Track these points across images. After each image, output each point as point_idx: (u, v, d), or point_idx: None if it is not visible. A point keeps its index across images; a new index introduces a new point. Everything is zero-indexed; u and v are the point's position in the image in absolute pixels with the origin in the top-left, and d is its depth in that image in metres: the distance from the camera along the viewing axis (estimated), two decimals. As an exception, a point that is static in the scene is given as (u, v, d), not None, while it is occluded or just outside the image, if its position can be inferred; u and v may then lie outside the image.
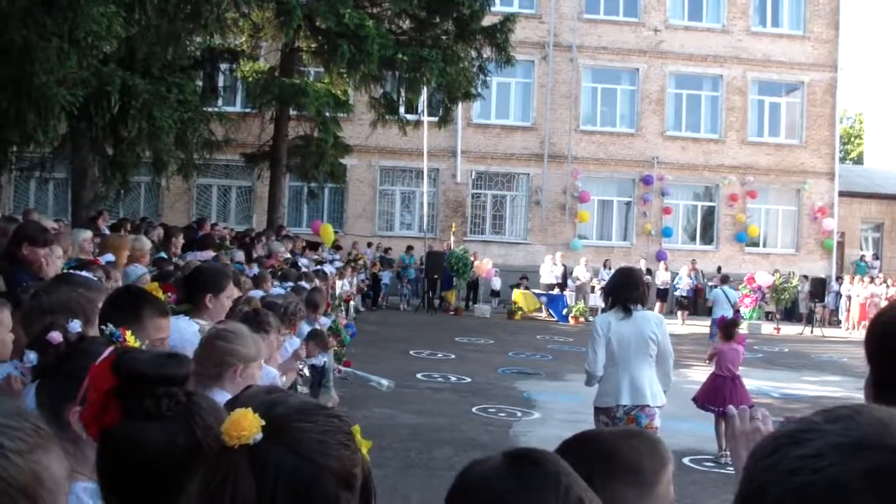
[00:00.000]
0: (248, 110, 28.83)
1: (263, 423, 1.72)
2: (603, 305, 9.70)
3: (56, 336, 2.78)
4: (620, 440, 2.42)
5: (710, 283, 34.47)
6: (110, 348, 2.41)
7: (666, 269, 33.96)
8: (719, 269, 34.07)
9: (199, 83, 24.55)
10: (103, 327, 3.12)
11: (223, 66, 27.29)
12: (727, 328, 12.92)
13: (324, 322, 11.08)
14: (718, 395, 12.08)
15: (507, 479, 1.84)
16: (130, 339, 3.08)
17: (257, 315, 6.51)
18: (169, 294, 5.73)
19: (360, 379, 10.54)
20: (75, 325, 2.91)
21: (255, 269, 13.21)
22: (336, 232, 31.43)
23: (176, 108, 16.27)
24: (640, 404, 7.81)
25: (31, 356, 2.75)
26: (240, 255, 14.90)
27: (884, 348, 2.46)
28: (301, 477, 1.71)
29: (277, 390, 1.95)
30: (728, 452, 8.97)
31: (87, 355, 2.55)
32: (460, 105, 31.15)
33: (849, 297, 34.48)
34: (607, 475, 2.23)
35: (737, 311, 21.80)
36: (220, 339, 4.48)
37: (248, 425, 1.71)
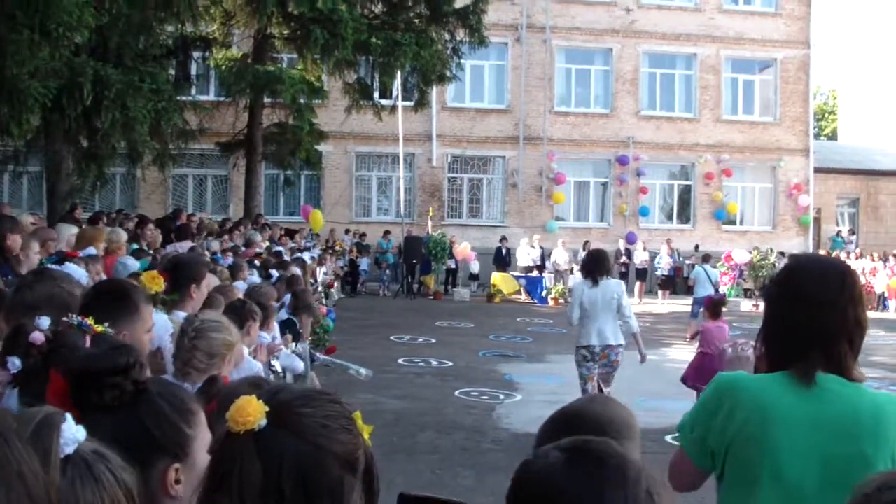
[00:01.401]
0: (221, 99, 28.63)
1: (268, 409, 1.76)
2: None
3: (38, 336, 2.77)
4: (599, 406, 2.58)
5: (687, 262, 34.61)
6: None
7: (644, 249, 34.03)
8: (697, 247, 34.22)
9: (172, 72, 24.45)
10: (65, 318, 3.09)
11: (196, 55, 27.13)
12: (714, 306, 12.94)
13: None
14: (707, 374, 12.11)
15: (570, 476, 1.79)
16: (98, 328, 3.11)
17: (244, 305, 6.56)
18: (136, 284, 5.76)
19: (339, 367, 10.55)
20: (44, 322, 2.90)
21: (230, 260, 13.17)
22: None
23: (149, 98, 16.17)
24: (607, 344, 11.01)
25: (16, 362, 2.74)
26: (216, 245, 14.86)
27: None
28: (306, 461, 1.76)
29: (264, 381, 1.98)
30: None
31: (68, 348, 2.56)
32: (435, 89, 31.14)
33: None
34: (619, 437, 2.33)
35: (717, 290, 21.92)
36: (212, 330, 4.49)
37: (252, 411, 1.75)
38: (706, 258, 24.05)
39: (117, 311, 3.72)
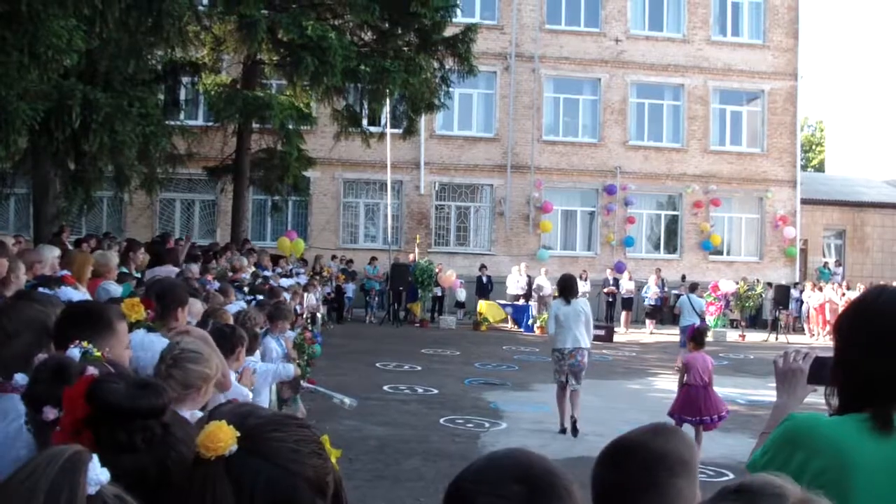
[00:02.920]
0: (210, 124, 28.67)
1: (238, 434, 1.75)
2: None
3: (50, 412, 2.62)
4: (658, 439, 2.53)
5: (675, 292, 34.65)
6: (92, 369, 2.36)
7: (630, 279, 34.07)
8: (684, 277, 34.26)
9: (161, 97, 24.44)
10: (73, 346, 3.05)
11: (185, 80, 27.14)
12: (697, 336, 12.91)
13: (289, 336, 11.05)
14: (694, 406, 12.13)
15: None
16: (96, 352, 3.04)
17: (233, 331, 6.56)
18: (149, 311, 5.76)
19: (323, 395, 10.52)
20: (21, 379, 2.84)
21: (216, 284, 13.12)
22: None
23: (138, 122, 16.15)
24: (577, 347, 13.99)
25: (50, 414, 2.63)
26: (195, 269, 14.78)
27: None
28: (278, 486, 1.75)
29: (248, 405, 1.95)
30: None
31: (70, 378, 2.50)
32: (423, 117, 31.14)
33: (809, 304, 34.77)
34: (670, 475, 2.41)
35: (702, 319, 21.92)
36: (190, 361, 4.47)
37: (223, 437, 1.74)
38: (693, 287, 24.07)
39: (91, 330, 3.68)
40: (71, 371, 2.67)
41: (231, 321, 7.50)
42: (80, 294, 6.28)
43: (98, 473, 1.60)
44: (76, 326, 3.69)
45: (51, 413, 2.46)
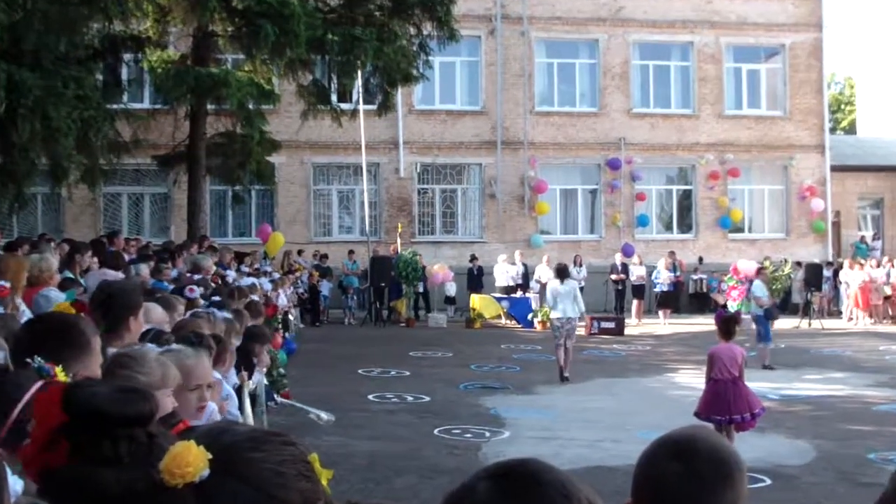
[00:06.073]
0: (158, 106, 28.54)
1: (210, 456, 1.67)
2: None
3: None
4: (713, 435, 2.70)
5: (692, 276, 34.68)
6: (39, 383, 2.35)
7: (641, 263, 33.97)
8: (700, 259, 34.27)
9: (100, 77, 24.30)
10: (29, 360, 2.93)
11: (127, 57, 27.04)
12: (727, 325, 12.67)
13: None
14: (722, 403, 11.94)
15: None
16: (61, 375, 2.96)
17: (201, 339, 6.41)
18: (82, 315, 5.56)
19: (297, 410, 10.44)
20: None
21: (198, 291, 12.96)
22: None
23: (74, 106, 16.01)
24: (568, 317, 19.89)
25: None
26: (144, 271, 14.56)
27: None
28: None
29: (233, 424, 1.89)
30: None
31: (16, 387, 2.44)
32: (400, 90, 31.15)
33: (847, 284, 34.61)
34: (738, 469, 2.50)
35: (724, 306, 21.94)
36: (119, 366, 4.30)
37: (193, 460, 1.66)
38: (760, 271, 24.43)
39: (67, 350, 3.54)
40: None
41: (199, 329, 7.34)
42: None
43: (14, 483, 1.51)
44: (41, 344, 3.52)
45: None
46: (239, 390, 8.14)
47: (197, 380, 4.95)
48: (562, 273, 20.88)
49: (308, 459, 1.82)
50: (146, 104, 30.89)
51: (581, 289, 22.89)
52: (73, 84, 16.24)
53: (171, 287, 12.70)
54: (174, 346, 5.06)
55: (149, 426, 2.04)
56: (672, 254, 34.49)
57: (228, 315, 9.04)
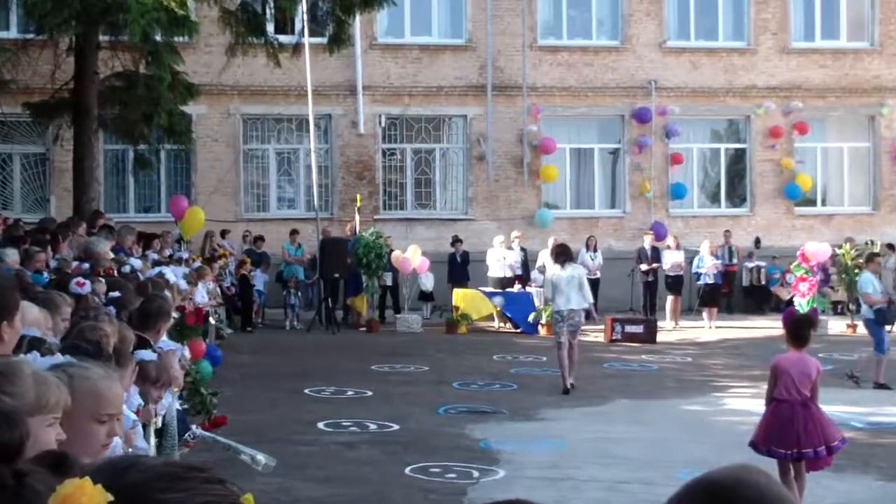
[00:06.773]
0: (31, 37, 28.41)
1: (111, 498, 1.66)
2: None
3: None
4: (760, 477, 2.56)
5: (745, 264, 34.67)
6: None
7: (678, 248, 33.87)
8: (758, 241, 34.33)
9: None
10: None
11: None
12: (799, 328, 12.45)
13: (166, 346, 10.86)
14: (788, 432, 11.72)
15: None
16: None
17: (99, 349, 6.39)
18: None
19: (225, 448, 10.44)
20: None
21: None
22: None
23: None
24: (570, 308, 20.54)
25: None
26: (12, 257, 14.53)
27: None
28: None
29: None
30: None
31: None
32: (359, 18, 31.14)
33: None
34: None
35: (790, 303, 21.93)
36: None
37: (88, 501, 1.64)
38: (870, 258, 23.92)
39: None
40: None
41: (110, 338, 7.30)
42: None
43: None
44: None
45: None
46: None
47: (109, 408, 4.87)
48: (561, 254, 21.30)
49: (238, 501, 1.81)
50: (14, 33, 30.85)
51: (596, 281, 22.96)
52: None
53: (50, 279, 12.68)
54: (67, 358, 4.97)
55: (15, 462, 2.02)
56: (727, 233, 34.53)
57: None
